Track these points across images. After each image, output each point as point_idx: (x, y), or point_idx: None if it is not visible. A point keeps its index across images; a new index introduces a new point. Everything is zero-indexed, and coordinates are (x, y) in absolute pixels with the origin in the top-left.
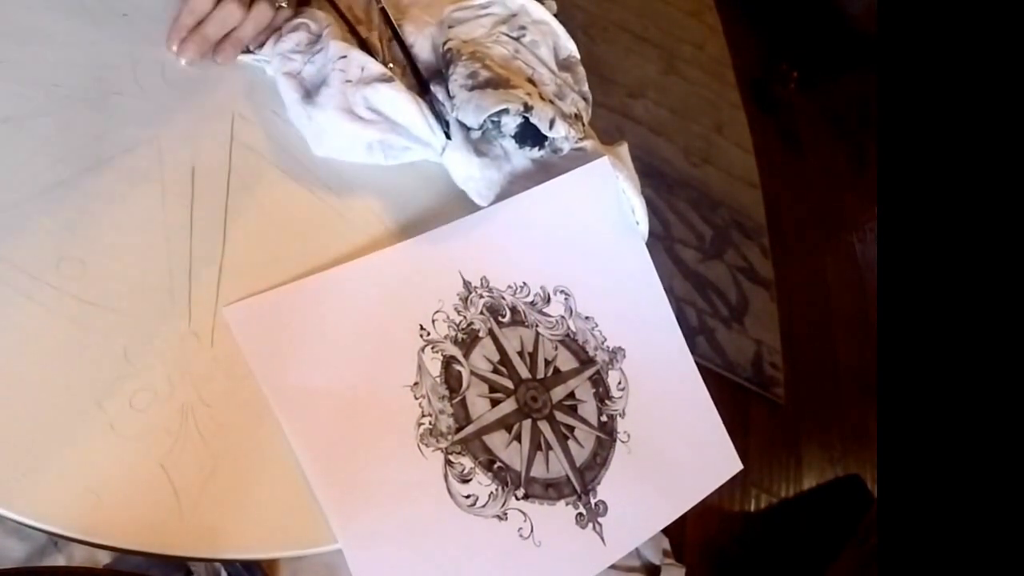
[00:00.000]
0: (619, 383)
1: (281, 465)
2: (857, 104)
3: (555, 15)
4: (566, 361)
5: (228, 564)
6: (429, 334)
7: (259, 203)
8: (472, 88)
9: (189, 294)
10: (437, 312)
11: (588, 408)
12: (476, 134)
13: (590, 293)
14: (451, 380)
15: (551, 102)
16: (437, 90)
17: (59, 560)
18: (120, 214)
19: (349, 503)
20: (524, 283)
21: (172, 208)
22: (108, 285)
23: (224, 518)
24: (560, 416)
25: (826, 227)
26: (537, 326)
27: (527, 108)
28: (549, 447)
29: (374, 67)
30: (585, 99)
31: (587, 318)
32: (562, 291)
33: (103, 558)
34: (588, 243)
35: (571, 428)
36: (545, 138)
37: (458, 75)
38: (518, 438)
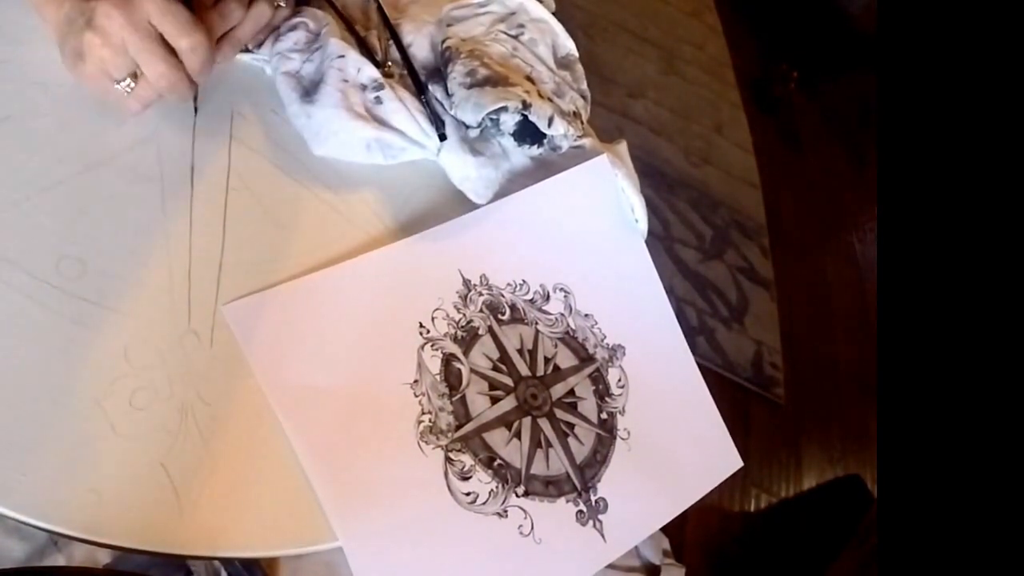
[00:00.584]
0: (619, 380)
1: (281, 464)
2: (857, 104)
3: (554, 13)
4: (566, 358)
5: (228, 563)
6: (429, 332)
7: (258, 202)
8: (471, 86)
9: (189, 293)
10: (437, 310)
11: (588, 405)
12: (475, 132)
13: (589, 290)
14: (451, 378)
15: (550, 100)
16: (435, 89)
17: (59, 560)
18: (120, 214)
19: (349, 501)
20: (523, 281)
21: (172, 207)
22: (108, 285)
23: (224, 517)
24: (560, 413)
25: (826, 227)
26: (537, 324)
27: (526, 106)
28: (549, 444)
29: (370, 70)
30: (584, 97)
31: (587, 315)
32: (561, 289)
33: (103, 557)
34: (587, 240)
35: (571, 425)
36: (544, 136)
37: (456, 73)
38: (518, 435)
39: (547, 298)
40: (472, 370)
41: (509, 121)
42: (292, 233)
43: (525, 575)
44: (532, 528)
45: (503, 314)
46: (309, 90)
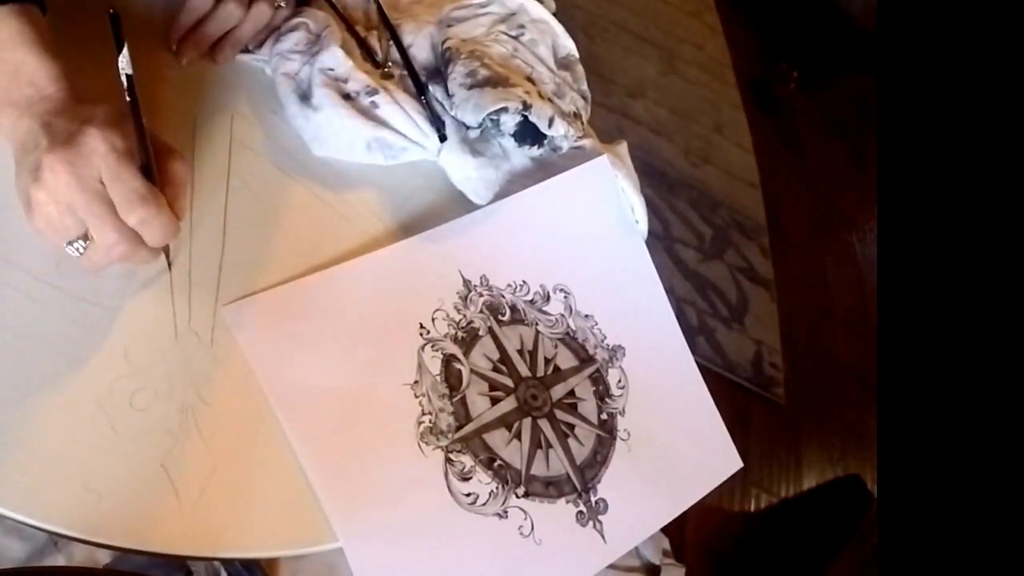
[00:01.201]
0: (619, 381)
1: (281, 464)
2: (857, 104)
3: (554, 14)
4: (566, 359)
5: (228, 563)
6: (429, 332)
7: (258, 202)
8: (471, 87)
9: (189, 293)
10: (437, 310)
11: (588, 406)
12: (475, 133)
13: (589, 291)
14: (451, 378)
15: (550, 100)
16: (436, 89)
17: (59, 560)
18: None
19: (349, 502)
20: (524, 281)
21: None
22: (108, 284)
23: (224, 517)
24: (560, 414)
25: (826, 227)
26: (537, 324)
27: (526, 106)
28: (549, 445)
29: (358, 81)
30: (584, 98)
31: (587, 316)
32: (562, 289)
33: (103, 558)
34: (587, 241)
35: (571, 426)
36: (544, 136)
37: (457, 74)
38: (518, 436)
39: (547, 299)
40: (472, 371)
41: (509, 122)
42: (292, 234)
43: None
44: (532, 529)
45: (503, 315)
46: (308, 92)
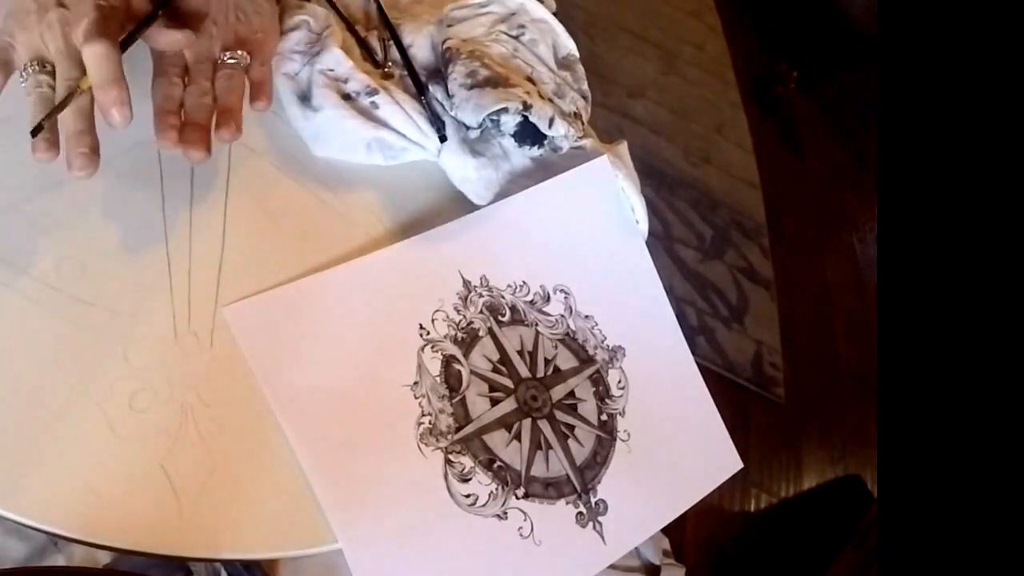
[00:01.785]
0: (619, 382)
1: (281, 465)
2: (857, 104)
3: (554, 14)
4: (566, 360)
5: (228, 564)
6: (429, 333)
7: (258, 203)
8: (471, 87)
9: (189, 294)
10: (437, 311)
11: (588, 407)
12: (475, 133)
13: (590, 292)
14: (451, 379)
15: (550, 101)
16: (436, 89)
17: (59, 560)
18: (120, 214)
19: (349, 503)
20: (524, 282)
21: (172, 209)
22: (108, 285)
23: (224, 518)
24: (560, 415)
25: (826, 227)
26: (537, 325)
27: (526, 107)
28: (549, 446)
29: (358, 81)
30: (584, 98)
31: (587, 317)
32: (562, 290)
33: (103, 557)
34: (587, 242)
35: (571, 427)
36: (544, 137)
37: (457, 74)
38: (518, 437)
39: (547, 299)
40: (472, 372)
41: (510, 122)
42: (292, 234)
43: None
44: (532, 530)
45: (503, 315)
46: (308, 92)
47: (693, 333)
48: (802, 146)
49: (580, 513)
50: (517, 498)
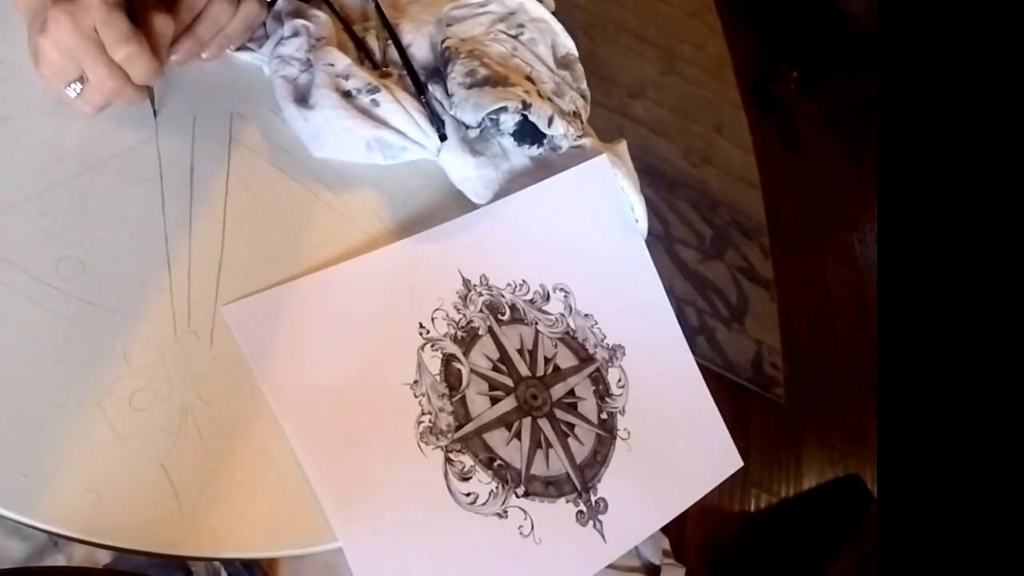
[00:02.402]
0: (619, 380)
1: (281, 464)
2: (857, 104)
3: (554, 13)
4: (566, 359)
5: (228, 563)
6: (429, 332)
7: (258, 202)
8: (470, 86)
9: (188, 293)
10: (436, 310)
11: (588, 406)
12: (474, 132)
13: (589, 291)
14: (451, 378)
15: (549, 100)
16: (435, 89)
17: (59, 560)
18: (120, 214)
19: (349, 502)
20: (523, 281)
21: (171, 208)
22: (108, 285)
23: (224, 518)
24: (560, 414)
25: (826, 227)
26: (537, 324)
27: (525, 106)
28: (549, 445)
29: (359, 78)
30: (584, 97)
31: (586, 315)
32: (561, 289)
33: (103, 558)
34: (587, 241)
35: (571, 426)
36: (544, 136)
37: (456, 73)
38: (518, 436)
39: (547, 298)
40: (472, 370)
41: (509, 121)
42: (292, 234)
43: None
44: (532, 528)
45: (503, 314)
46: (306, 93)
47: (693, 333)
48: (802, 146)
49: (580, 512)
50: (517, 497)
